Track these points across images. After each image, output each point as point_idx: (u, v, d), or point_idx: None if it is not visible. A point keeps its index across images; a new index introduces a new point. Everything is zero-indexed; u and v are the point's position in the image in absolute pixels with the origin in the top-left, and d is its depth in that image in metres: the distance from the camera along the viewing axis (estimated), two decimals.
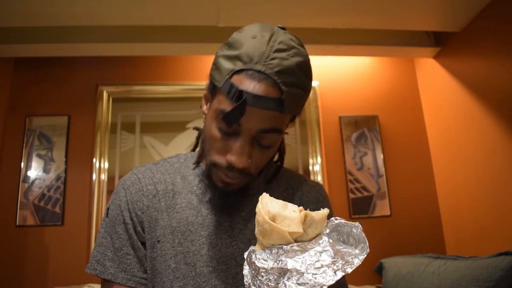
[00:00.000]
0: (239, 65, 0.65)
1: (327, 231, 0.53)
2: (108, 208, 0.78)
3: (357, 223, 0.53)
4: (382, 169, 2.25)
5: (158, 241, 0.73)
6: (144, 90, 2.24)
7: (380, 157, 2.27)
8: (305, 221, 0.51)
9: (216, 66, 0.71)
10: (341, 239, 0.53)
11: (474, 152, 1.93)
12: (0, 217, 1.97)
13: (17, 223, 1.96)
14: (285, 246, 0.50)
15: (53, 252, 1.95)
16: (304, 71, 0.68)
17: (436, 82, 2.26)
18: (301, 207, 0.53)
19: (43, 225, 1.97)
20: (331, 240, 0.51)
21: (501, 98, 1.75)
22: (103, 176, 2.08)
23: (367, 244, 0.51)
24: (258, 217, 0.52)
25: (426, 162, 2.31)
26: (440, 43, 2.19)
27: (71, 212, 2.01)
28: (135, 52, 2.12)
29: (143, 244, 0.74)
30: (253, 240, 0.74)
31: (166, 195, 0.77)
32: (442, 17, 1.96)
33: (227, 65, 0.67)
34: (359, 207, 2.18)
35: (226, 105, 0.65)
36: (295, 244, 0.50)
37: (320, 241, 0.50)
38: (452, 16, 1.93)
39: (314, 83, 2.33)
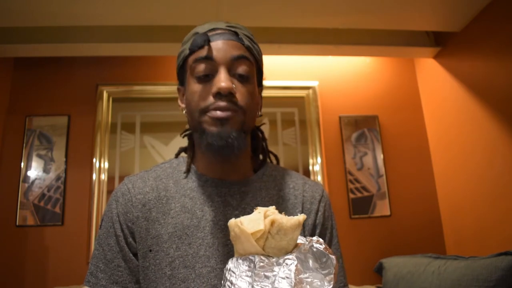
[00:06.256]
0: (196, 36, 0.76)
1: (306, 245, 0.52)
2: (102, 220, 0.79)
3: (333, 258, 0.52)
4: (382, 169, 2.25)
5: (150, 251, 0.73)
6: (144, 90, 2.24)
7: (380, 157, 2.27)
8: (272, 227, 0.51)
9: (178, 56, 0.82)
10: (315, 263, 0.51)
11: (474, 152, 1.93)
12: (0, 217, 1.97)
13: (17, 223, 1.96)
14: (256, 259, 0.50)
15: (53, 252, 1.95)
16: (248, 31, 0.81)
17: (436, 82, 2.26)
18: (274, 211, 0.53)
19: (43, 225, 1.97)
20: (298, 265, 0.50)
21: (501, 98, 1.75)
22: (103, 176, 2.08)
23: (333, 282, 0.50)
24: (231, 222, 0.53)
25: (426, 162, 2.31)
26: (440, 43, 2.19)
27: (71, 212, 2.01)
28: (135, 52, 2.12)
29: (135, 255, 0.75)
30: None
31: (159, 201, 0.77)
32: (442, 17, 1.96)
33: (187, 44, 0.78)
34: (359, 207, 2.18)
35: (196, 55, 0.74)
36: (263, 257, 0.50)
37: (288, 262, 0.50)
38: (452, 16, 1.93)
39: (314, 83, 2.33)
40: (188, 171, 0.81)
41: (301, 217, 0.53)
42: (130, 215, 0.76)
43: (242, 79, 0.75)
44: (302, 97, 2.33)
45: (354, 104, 2.35)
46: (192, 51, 0.75)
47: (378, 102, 2.37)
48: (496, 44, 1.78)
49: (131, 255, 0.75)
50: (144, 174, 0.83)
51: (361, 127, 2.31)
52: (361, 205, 2.18)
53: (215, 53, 0.73)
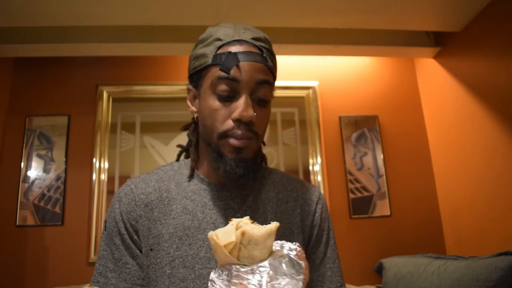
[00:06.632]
0: (219, 43, 0.75)
1: (280, 252, 0.54)
2: (105, 221, 0.80)
3: (302, 263, 0.54)
4: (382, 169, 2.25)
5: (151, 250, 0.75)
6: (144, 90, 2.24)
7: (380, 157, 2.27)
8: (243, 238, 0.53)
9: (195, 57, 0.79)
10: (290, 269, 0.53)
11: (474, 152, 1.93)
12: (0, 217, 1.97)
13: (17, 223, 1.96)
14: (233, 269, 0.53)
15: (53, 252, 1.95)
16: (270, 43, 0.80)
17: (436, 82, 2.26)
18: (247, 221, 0.55)
19: (43, 225, 1.97)
20: (271, 272, 0.52)
21: (501, 98, 1.75)
22: (103, 176, 2.08)
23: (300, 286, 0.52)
24: (209, 234, 0.55)
25: (426, 162, 2.31)
26: (440, 43, 2.19)
27: (71, 212, 2.01)
28: (135, 52, 2.12)
29: (141, 252, 0.77)
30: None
31: (161, 202, 0.78)
32: (442, 17, 1.96)
33: (208, 48, 0.76)
34: (359, 207, 2.18)
35: (220, 72, 0.72)
36: (239, 266, 0.53)
37: (261, 269, 0.52)
38: (452, 16, 1.93)
39: (314, 83, 2.33)
40: (191, 175, 0.82)
41: (273, 225, 0.55)
42: (134, 214, 0.77)
43: (261, 103, 0.76)
44: (302, 97, 2.33)
45: (354, 104, 2.35)
46: (215, 64, 0.74)
47: (378, 102, 2.37)
48: (496, 44, 1.78)
49: (138, 251, 0.76)
50: (146, 176, 0.83)
51: (361, 127, 2.31)
52: (361, 205, 2.18)
53: (241, 76, 0.72)
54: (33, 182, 2.02)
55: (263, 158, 0.90)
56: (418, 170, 2.29)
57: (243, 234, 0.53)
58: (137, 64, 2.27)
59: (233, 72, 0.72)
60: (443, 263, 1.62)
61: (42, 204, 1.99)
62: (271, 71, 0.78)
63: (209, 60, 0.75)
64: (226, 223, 0.76)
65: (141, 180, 0.82)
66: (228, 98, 0.73)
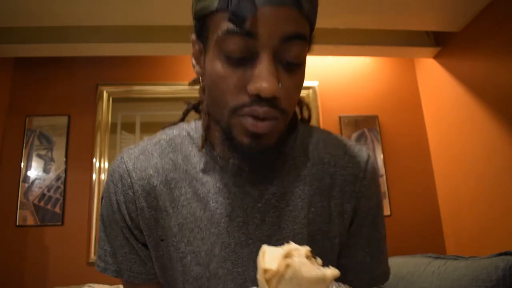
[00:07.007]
0: None
1: None
2: (102, 198, 0.67)
3: None
4: (382, 169, 2.25)
5: (162, 240, 0.63)
6: (144, 90, 2.24)
7: (380, 157, 2.27)
8: (287, 270, 0.43)
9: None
10: None
11: (474, 152, 1.93)
12: (0, 217, 1.97)
13: (17, 223, 1.96)
14: None
15: (53, 252, 1.95)
16: None
17: (436, 82, 2.26)
18: (303, 252, 0.45)
19: (43, 225, 1.97)
20: None
21: (501, 98, 1.75)
22: (103, 176, 2.08)
23: None
24: (262, 246, 0.48)
25: (426, 162, 2.31)
26: (440, 43, 2.19)
27: (71, 212, 2.01)
28: (135, 52, 2.12)
29: (144, 245, 0.65)
30: (272, 237, 0.61)
31: (166, 186, 0.62)
32: (442, 17, 1.96)
33: None
34: None
35: (229, 24, 0.50)
36: None
37: None
38: (452, 16, 1.93)
39: (314, 83, 2.33)
40: (202, 146, 0.63)
41: (329, 272, 0.43)
42: (132, 205, 0.62)
43: (290, 67, 0.53)
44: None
45: (354, 104, 2.35)
46: (220, 10, 0.51)
47: (378, 102, 2.37)
48: (496, 44, 1.78)
49: (140, 245, 0.64)
50: (146, 146, 0.65)
51: (361, 127, 2.30)
52: None
53: (259, 29, 0.49)
54: (33, 182, 2.02)
55: (296, 123, 0.68)
56: (418, 170, 2.29)
57: (287, 266, 0.43)
58: (137, 64, 2.27)
59: (249, 24, 0.49)
60: (443, 263, 1.62)
61: (42, 204, 1.99)
62: (308, 18, 0.55)
63: (215, 3, 0.51)
64: (244, 216, 0.61)
65: (140, 153, 0.64)
66: (241, 62, 0.51)
